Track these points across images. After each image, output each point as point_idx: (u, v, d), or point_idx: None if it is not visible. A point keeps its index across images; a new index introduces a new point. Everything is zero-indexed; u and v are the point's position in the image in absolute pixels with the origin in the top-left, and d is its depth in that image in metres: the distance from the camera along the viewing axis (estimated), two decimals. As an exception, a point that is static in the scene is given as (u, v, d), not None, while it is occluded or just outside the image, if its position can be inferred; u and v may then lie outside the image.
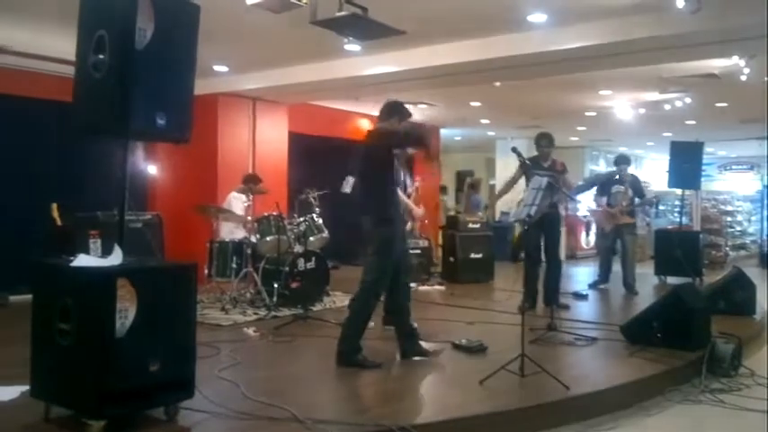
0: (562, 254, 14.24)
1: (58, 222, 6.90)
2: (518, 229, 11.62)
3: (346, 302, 7.52)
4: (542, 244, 7.09)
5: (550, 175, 6.76)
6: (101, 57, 3.33)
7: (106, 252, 3.51)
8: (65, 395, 3.37)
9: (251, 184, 7.88)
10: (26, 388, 3.59)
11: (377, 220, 4.91)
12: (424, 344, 5.11)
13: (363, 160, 5.08)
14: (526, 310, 5.75)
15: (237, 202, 7.88)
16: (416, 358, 4.98)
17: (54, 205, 6.95)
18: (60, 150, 7.96)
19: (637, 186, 8.92)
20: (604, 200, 8.95)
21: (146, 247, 6.82)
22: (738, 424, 4.03)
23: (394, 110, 5.13)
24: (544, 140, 7.24)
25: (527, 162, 6.56)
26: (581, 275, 10.96)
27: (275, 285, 7.04)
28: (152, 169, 9.94)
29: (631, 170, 9.49)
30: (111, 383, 3.19)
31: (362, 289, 4.89)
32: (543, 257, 7.20)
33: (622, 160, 9.03)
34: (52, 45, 7.20)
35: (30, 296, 3.59)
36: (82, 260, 3.40)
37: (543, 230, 6.91)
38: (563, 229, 14.21)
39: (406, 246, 5.33)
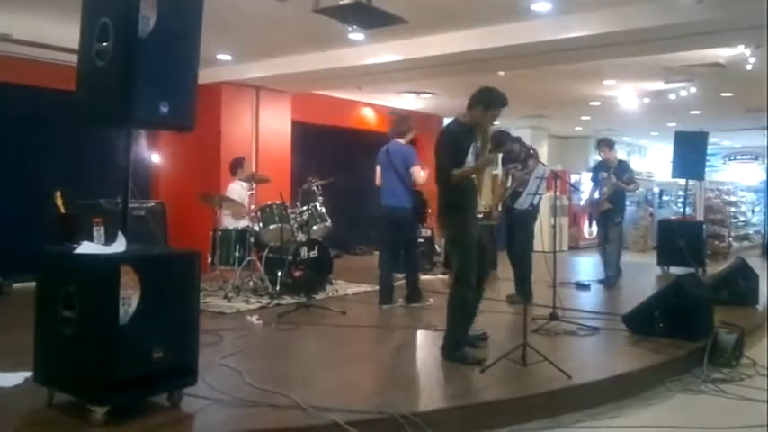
0: (564, 244, 14.39)
1: (62, 210, 6.91)
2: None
3: (349, 291, 7.66)
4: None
5: (515, 165, 6.86)
6: (104, 45, 3.33)
7: (110, 240, 3.52)
8: (68, 382, 3.39)
9: (238, 168, 7.97)
10: (30, 374, 3.62)
11: (445, 207, 4.73)
12: (421, 332, 5.11)
13: (436, 149, 4.79)
14: (525, 301, 5.78)
15: (234, 192, 7.88)
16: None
17: (57, 193, 6.96)
18: (64, 138, 7.96)
19: (620, 172, 8.40)
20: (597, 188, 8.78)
21: (149, 234, 6.83)
22: (739, 414, 4.04)
23: (478, 99, 4.65)
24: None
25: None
26: (584, 265, 10.97)
27: (278, 274, 7.05)
28: (156, 157, 9.95)
29: (624, 157, 9.22)
30: (115, 370, 3.20)
31: (454, 281, 4.72)
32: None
33: (603, 142, 8.65)
34: (55, 34, 7.19)
35: (33, 283, 3.60)
36: (85, 247, 3.41)
37: (512, 225, 6.88)
38: (565, 219, 14.33)
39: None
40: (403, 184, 6.60)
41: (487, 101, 4.62)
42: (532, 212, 6.55)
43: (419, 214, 6.79)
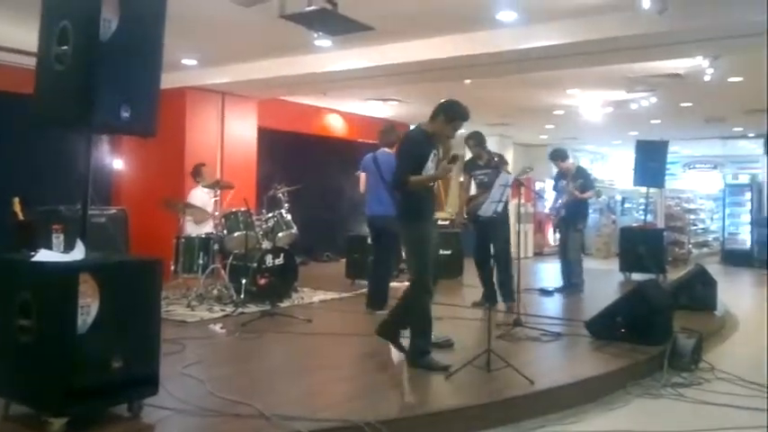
0: (530, 251, 14.56)
1: (20, 216, 6.77)
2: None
3: (315, 299, 7.62)
4: (487, 241, 7.13)
5: (486, 173, 6.94)
6: (64, 48, 3.27)
7: (69, 247, 3.45)
8: (25, 392, 3.31)
9: (198, 177, 7.94)
10: (-15, 385, 3.51)
11: (402, 212, 4.82)
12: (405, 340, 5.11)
13: (396, 154, 4.96)
14: (482, 306, 5.81)
15: (195, 198, 7.80)
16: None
17: (15, 199, 6.81)
18: (22, 143, 7.79)
19: (577, 179, 8.33)
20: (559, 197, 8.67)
21: (110, 242, 6.73)
22: (698, 418, 4.12)
23: (441, 109, 4.76)
24: (471, 141, 7.24)
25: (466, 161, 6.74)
26: (547, 272, 11.09)
27: (243, 281, 6.99)
28: (117, 163, 9.81)
29: (588, 165, 9.23)
30: (73, 380, 3.13)
31: (410, 287, 4.79)
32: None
33: (554, 155, 8.63)
34: (12, 35, 7.04)
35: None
36: (43, 255, 3.34)
37: (488, 230, 6.95)
38: (530, 226, 14.50)
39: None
40: (390, 192, 6.56)
41: (451, 113, 4.72)
42: (503, 216, 6.64)
43: None
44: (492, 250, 7.10)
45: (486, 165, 7.04)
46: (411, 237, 4.76)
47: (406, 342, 4.97)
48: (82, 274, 3.14)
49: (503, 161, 7.19)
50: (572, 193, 8.26)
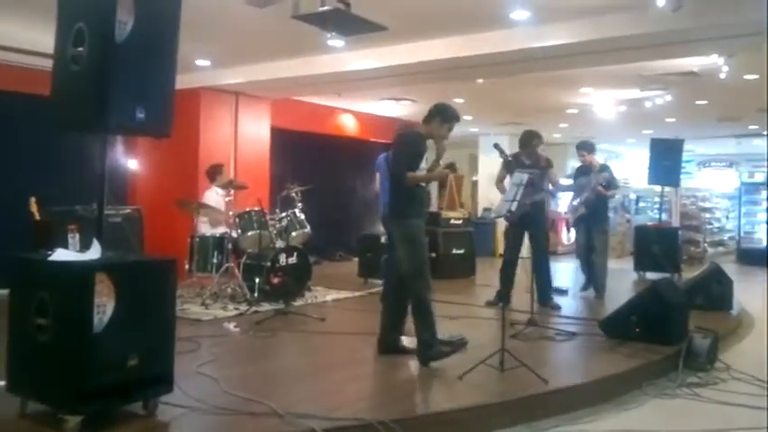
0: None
1: (37, 216, 6.82)
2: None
3: (328, 298, 7.64)
4: (522, 242, 7.07)
5: (532, 172, 6.81)
6: (79, 50, 3.31)
7: (85, 246, 3.48)
8: (42, 391, 3.34)
9: (216, 174, 7.99)
10: (2, 383, 3.55)
11: (395, 213, 4.87)
12: (405, 339, 5.12)
13: (392, 157, 5.11)
14: (495, 305, 5.79)
15: (209, 199, 7.82)
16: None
17: (32, 199, 6.86)
18: (38, 144, 7.85)
19: (603, 177, 7.94)
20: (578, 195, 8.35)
21: (125, 241, 6.77)
22: (714, 418, 4.09)
23: (436, 112, 4.94)
24: (537, 139, 7.07)
25: (509, 159, 6.54)
26: (561, 271, 11.04)
27: (256, 280, 7.02)
28: (133, 164, 9.87)
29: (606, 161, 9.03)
30: (89, 379, 3.17)
31: (408, 284, 4.79)
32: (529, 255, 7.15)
33: (581, 146, 8.37)
34: (29, 38, 7.11)
35: (6, 291, 3.55)
36: (60, 254, 3.37)
37: (526, 228, 6.90)
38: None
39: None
40: None
41: (445, 114, 4.92)
42: (541, 217, 6.61)
43: None
44: (530, 252, 6.98)
45: (534, 165, 6.80)
46: (404, 235, 4.80)
47: (408, 340, 5.01)
48: (98, 274, 3.17)
49: (549, 164, 7.10)
50: (596, 189, 7.92)
